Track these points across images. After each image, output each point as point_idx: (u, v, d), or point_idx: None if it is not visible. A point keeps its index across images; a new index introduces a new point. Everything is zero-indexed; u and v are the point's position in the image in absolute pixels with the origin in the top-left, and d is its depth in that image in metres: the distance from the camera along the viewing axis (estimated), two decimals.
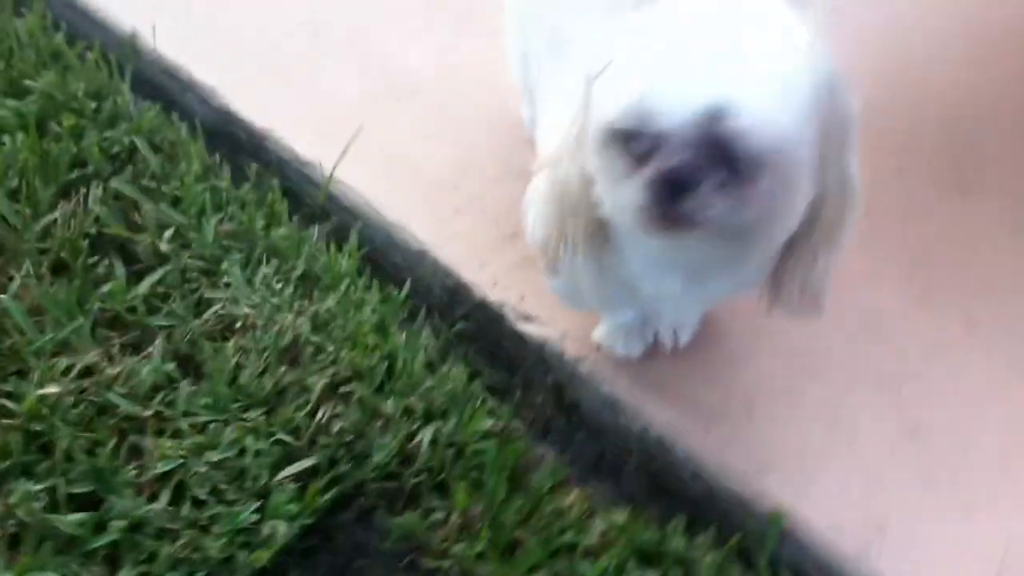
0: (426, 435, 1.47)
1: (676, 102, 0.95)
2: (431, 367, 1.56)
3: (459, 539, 1.39)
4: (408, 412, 1.50)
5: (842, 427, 1.50)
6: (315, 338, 1.55)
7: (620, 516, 1.43)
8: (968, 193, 1.79)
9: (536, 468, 1.49)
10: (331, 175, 1.77)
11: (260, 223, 1.69)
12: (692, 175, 0.97)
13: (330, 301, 1.60)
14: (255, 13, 2.10)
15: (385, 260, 1.76)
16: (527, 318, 1.62)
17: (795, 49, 1.00)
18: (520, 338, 1.61)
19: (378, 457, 1.45)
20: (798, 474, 1.45)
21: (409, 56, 2.03)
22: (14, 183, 1.72)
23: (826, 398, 1.53)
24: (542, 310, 1.62)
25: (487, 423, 1.49)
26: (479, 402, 1.51)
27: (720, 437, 1.49)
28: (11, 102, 1.83)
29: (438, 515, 1.41)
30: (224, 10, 2.10)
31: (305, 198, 1.83)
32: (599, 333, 1.57)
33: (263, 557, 1.36)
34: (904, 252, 1.71)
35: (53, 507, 1.37)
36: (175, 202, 1.72)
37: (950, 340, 1.60)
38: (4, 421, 1.43)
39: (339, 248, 1.70)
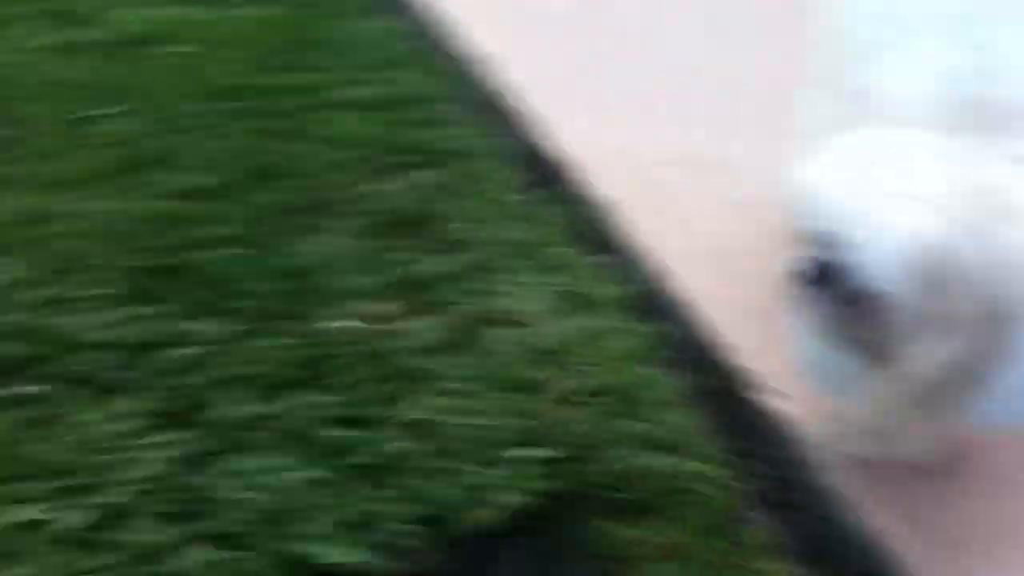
0: (648, 461, 1.60)
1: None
2: (667, 404, 1.69)
3: (657, 560, 1.50)
4: (636, 436, 1.63)
5: None
6: (570, 348, 1.72)
7: None
8: None
9: (746, 526, 1.58)
10: (615, 215, 1.95)
11: (545, 236, 1.90)
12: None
13: (590, 320, 1.77)
14: (595, 71, 2.32)
15: (652, 301, 1.90)
16: (775, 392, 1.71)
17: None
18: (762, 409, 1.71)
19: (603, 466, 1.58)
20: None
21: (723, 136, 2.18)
22: (350, 153, 1.99)
23: None
24: (791, 388, 1.71)
25: (707, 468, 1.59)
26: (702, 447, 1.62)
27: (939, 559, 1.51)
28: (365, 89, 2.14)
29: (647, 532, 1.53)
30: (569, 63, 2.33)
31: (593, 228, 2.00)
32: (839, 424, 1.65)
33: (489, 516, 1.51)
34: None
35: (327, 419, 1.58)
36: (477, 201, 1.95)
37: None
38: (302, 339, 1.66)
39: (611, 278, 1.87)
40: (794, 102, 1.98)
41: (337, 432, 1.56)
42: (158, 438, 1.51)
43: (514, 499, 1.55)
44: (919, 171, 1.18)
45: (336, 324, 1.69)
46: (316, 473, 1.51)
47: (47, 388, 1.56)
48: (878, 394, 1.32)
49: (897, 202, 1.14)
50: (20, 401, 1.54)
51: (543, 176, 2.11)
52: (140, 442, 1.49)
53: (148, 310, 1.68)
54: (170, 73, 2.08)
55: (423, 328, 1.72)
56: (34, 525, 1.38)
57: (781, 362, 1.72)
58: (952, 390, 1.23)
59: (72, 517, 1.39)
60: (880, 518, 1.57)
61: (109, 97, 2.03)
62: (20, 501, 1.41)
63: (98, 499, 1.42)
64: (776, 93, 2.28)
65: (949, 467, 1.63)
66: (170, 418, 1.56)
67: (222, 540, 1.44)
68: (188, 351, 1.63)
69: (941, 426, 1.54)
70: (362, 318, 1.72)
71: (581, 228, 2.00)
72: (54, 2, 2.22)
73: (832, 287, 1.22)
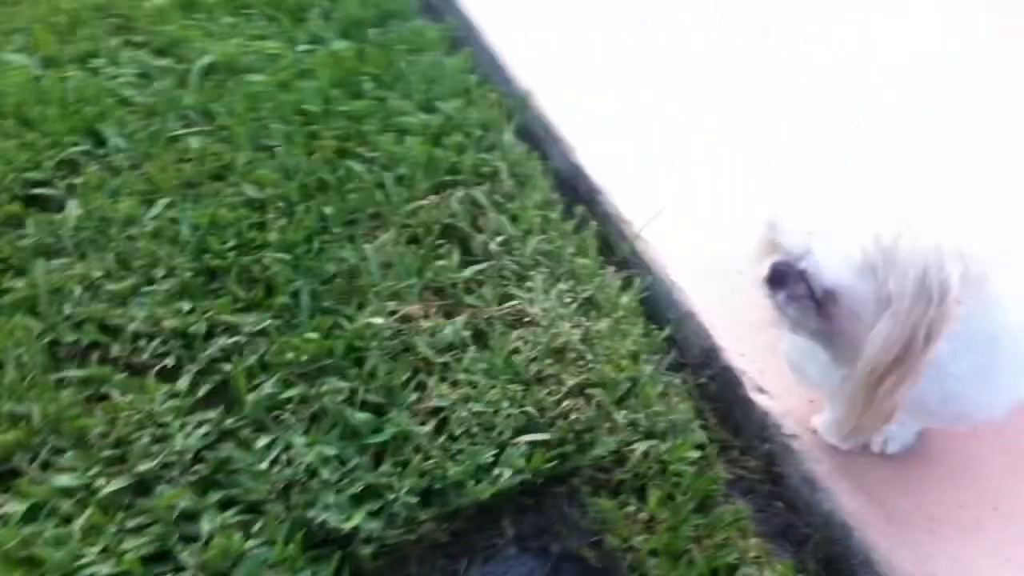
0: (641, 447, 1.74)
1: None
2: (664, 397, 1.83)
3: (641, 533, 1.64)
4: (633, 425, 1.77)
5: (1015, 565, 1.59)
6: (580, 347, 1.88)
7: (785, 570, 1.62)
8: None
9: (725, 506, 1.71)
10: (639, 234, 2.11)
11: (570, 250, 2.05)
12: (783, 276, 1.38)
13: (602, 324, 1.92)
14: (632, 106, 2.49)
15: (662, 312, 2.06)
16: (761, 390, 1.85)
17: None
18: (749, 404, 1.85)
19: (598, 451, 1.74)
20: None
21: (750, 180, 2.34)
22: (403, 171, 2.20)
23: (1010, 539, 1.63)
24: (776, 387, 1.84)
25: (694, 453, 1.73)
26: (692, 435, 1.76)
27: (898, 538, 1.63)
28: (423, 115, 2.34)
29: (631, 509, 1.67)
30: (608, 95, 2.52)
31: (615, 246, 2.17)
32: (818, 419, 1.77)
33: (485, 491, 1.68)
34: None
35: (349, 404, 1.78)
36: (513, 218, 2.12)
37: None
38: (335, 332, 1.87)
39: (625, 288, 2.02)
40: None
41: (358, 415, 1.75)
42: (197, 417, 1.72)
43: (514, 477, 1.71)
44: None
45: (369, 320, 1.88)
46: (333, 450, 1.70)
47: (106, 370, 1.79)
48: (845, 385, 1.44)
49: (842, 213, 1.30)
50: (83, 381, 1.78)
51: (575, 197, 2.28)
52: (180, 420, 1.71)
53: (203, 304, 1.91)
54: (252, 99, 2.33)
55: (447, 327, 1.90)
56: (78, 489, 1.61)
57: (771, 363, 1.86)
58: (903, 373, 1.34)
59: (112, 484, 1.61)
60: (849, 502, 1.67)
61: (197, 119, 2.28)
62: (69, 469, 1.64)
63: (138, 468, 1.63)
64: (774, 106, 2.43)
65: (915, 454, 1.73)
66: (208, 399, 1.77)
67: (244, 506, 1.64)
68: (231, 340, 1.85)
69: (907, 416, 1.66)
70: (394, 316, 1.91)
71: (604, 244, 2.16)
72: (141, 34, 2.49)
73: (791, 287, 1.38)
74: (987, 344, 1.37)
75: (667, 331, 1.98)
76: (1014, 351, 1.40)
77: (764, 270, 1.43)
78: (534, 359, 1.87)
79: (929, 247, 1.26)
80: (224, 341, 1.86)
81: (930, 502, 1.68)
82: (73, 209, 2.10)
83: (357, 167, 2.20)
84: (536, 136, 2.45)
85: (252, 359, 1.83)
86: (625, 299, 1.99)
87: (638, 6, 2.76)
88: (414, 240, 2.09)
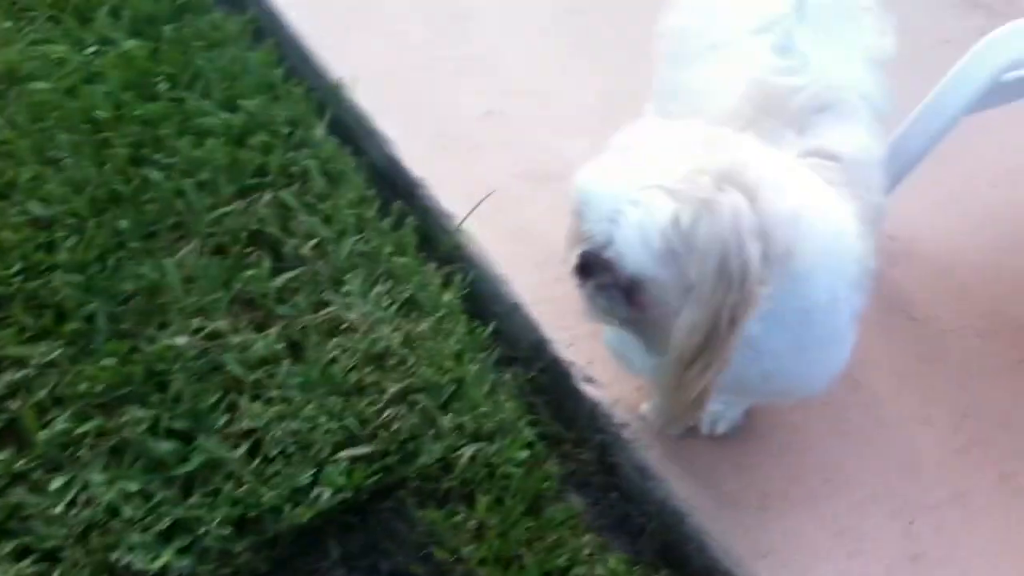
0: (468, 451, 1.67)
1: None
2: (491, 397, 1.76)
3: (471, 542, 1.57)
4: (460, 428, 1.70)
5: (846, 538, 1.59)
6: (402, 351, 1.79)
7: (617, 564, 1.57)
8: None
9: (558, 504, 1.65)
10: (459, 226, 2.03)
11: (388, 250, 1.95)
12: (590, 266, 1.31)
13: (424, 325, 1.84)
14: (448, 92, 2.40)
15: (487, 307, 1.99)
16: (589, 380, 1.80)
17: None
18: (579, 396, 1.79)
19: (423, 459, 1.66)
20: (792, 567, 1.55)
21: (564, 149, 2.27)
22: (205, 176, 2.06)
23: (839, 511, 1.63)
24: (605, 376, 1.80)
25: (523, 453, 1.67)
26: (520, 434, 1.70)
27: (730, 519, 1.61)
28: (224, 114, 2.20)
29: (459, 518, 1.60)
30: (423, 83, 2.42)
31: (437, 242, 2.09)
32: (646, 406, 1.74)
33: (305, 515, 1.58)
34: (959, 404, 1.79)
35: (152, 433, 1.65)
36: (326, 219, 2.01)
37: (977, 489, 1.66)
38: (134, 356, 1.73)
39: (447, 285, 1.94)
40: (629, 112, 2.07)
41: (162, 445, 1.63)
42: None
43: (334, 497, 1.61)
44: (663, 159, 1.26)
45: (171, 341, 1.75)
46: (135, 485, 1.57)
47: None
48: (657, 372, 1.40)
49: (640, 192, 1.23)
50: None
51: (394, 192, 2.18)
52: None
53: None
54: (37, 109, 2.15)
55: (259, 340, 1.79)
56: None
57: (599, 352, 1.81)
58: (709, 359, 1.29)
59: None
60: (682, 487, 1.64)
61: None
62: None
63: None
64: (612, 103, 2.38)
65: (744, 432, 1.71)
66: None
67: (39, 555, 1.50)
68: (18, 374, 1.69)
69: (730, 395, 1.63)
70: (200, 334, 1.79)
71: (426, 240, 2.07)
72: None
73: (598, 276, 1.31)
74: (799, 320, 1.34)
75: (492, 327, 1.90)
76: (827, 324, 1.38)
77: (573, 259, 1.36)
78: (353, 368, 1.77)
79: (728, 228, 1.21)
80: (11, 376, 1.70)
81: (761, 479, 1.67)
82: None
83: (154, 175, 2.04)
84: (350, 130, 2.34)
85: (42, 393, 1.67)
86: (447, 296, 1.90)
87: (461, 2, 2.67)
88: (220, 250, 1.96)
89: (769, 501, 1.63)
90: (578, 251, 1.34)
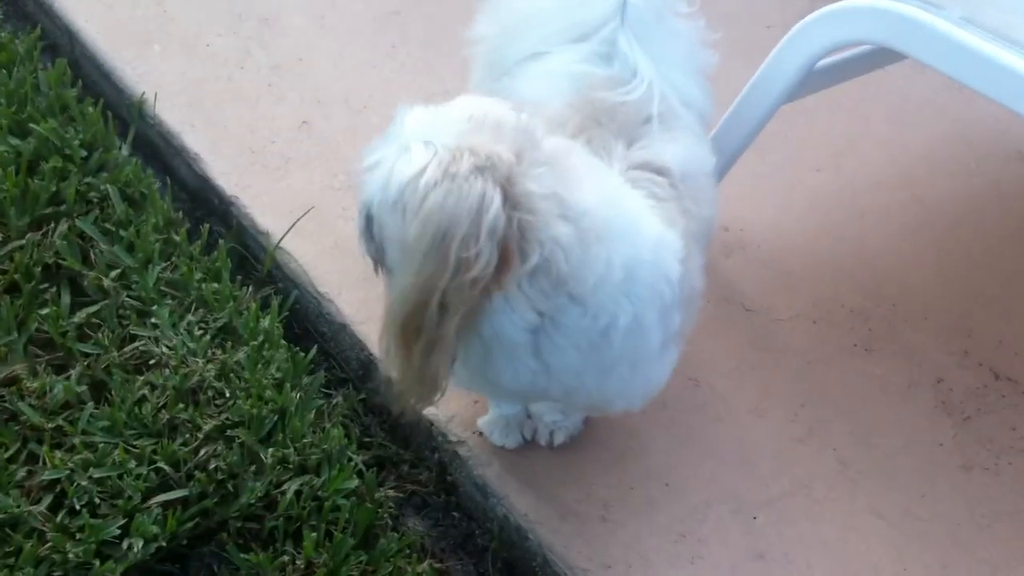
0: (293, 486, 1.56)
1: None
2: (317, 424, 1.66)
3: None
4: (283, 462, 1.59)
5: (689, 541, 1.55)
6: (217, 384, 1.67)
7: None
8: (872, 351, 1.86)
9: (394, 532, 1.56)
10: (277, 244, 1.92)
11: (198, 276, 1.83)
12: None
13: (241, 354, 1.72)
14: (258, 104, 2.28)
15: (312, 327, 1.89)
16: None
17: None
18: (409, 417, 1.70)
19: (244, 499, 1.54)
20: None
21: None
22: None
23: (681, 514, 1.59)
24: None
25: (352, 483, 1.57)
26: (348, 463, 1.60)
27: (572, 533, 1.55)
28: (13, 140, 2.02)
29: (285, 559, 1.49)
30: (230, 94, 2.29)
31: (255, 263, 1.97)
32: (482, 420, 1.66)
33: (116, 569, 1.45)
34: (796, 393, 1.78)
35: None
36: (129, 247, 1.87)
37: (817, 479, 1.65)
38: None
39: (266, 308, 1.83)
40: None
41: None
42: None
43: (148, 547, 1.48)
44: (459, 128, 1.19)
45: None
46: None
47: None
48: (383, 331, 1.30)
49: (413, 143, 1.17)
50: None
51: (207, 212, 2.05)
52: None
53: None
54: None
55: (58, 384, 1.64)
56: None
57: None
58: (430, 341, 1.21)
59: None
60: (521, 503, 1.58)
61: None
62: None
63: None
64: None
65: (582, 441, 1.66)
66: None
67: None
68: None
69: (543, 406, 1.59)
70: None
71: (243, 261, 1.96)
72: None
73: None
74: (594, 342, 1.28)
75: (315, 349, 1.80)
76: (632, 347, 1.31)
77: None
78: (163, 406, 1.64)
79: (463, 211, 1.13)
80: None
81: (601, 487, 1.61)
82: None
83: None
84: (157, 149, 2.20)
85: None
86: (266, 322, 1.79)
87: (260, 5, 2.54)
88: (13, 288, 1.80)
89: (610, 511, 1.58)
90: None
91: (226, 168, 2.09)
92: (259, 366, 1.71)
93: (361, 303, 1.85)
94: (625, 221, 1.29)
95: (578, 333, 1.27)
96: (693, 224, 1.41)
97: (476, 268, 1.12)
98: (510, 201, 1.14)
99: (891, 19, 1.57)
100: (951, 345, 1.88)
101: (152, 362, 1.71)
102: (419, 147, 1.15)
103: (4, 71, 2.17)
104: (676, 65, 1.57)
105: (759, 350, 1.86)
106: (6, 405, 1.63)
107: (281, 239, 1.93)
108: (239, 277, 1.91)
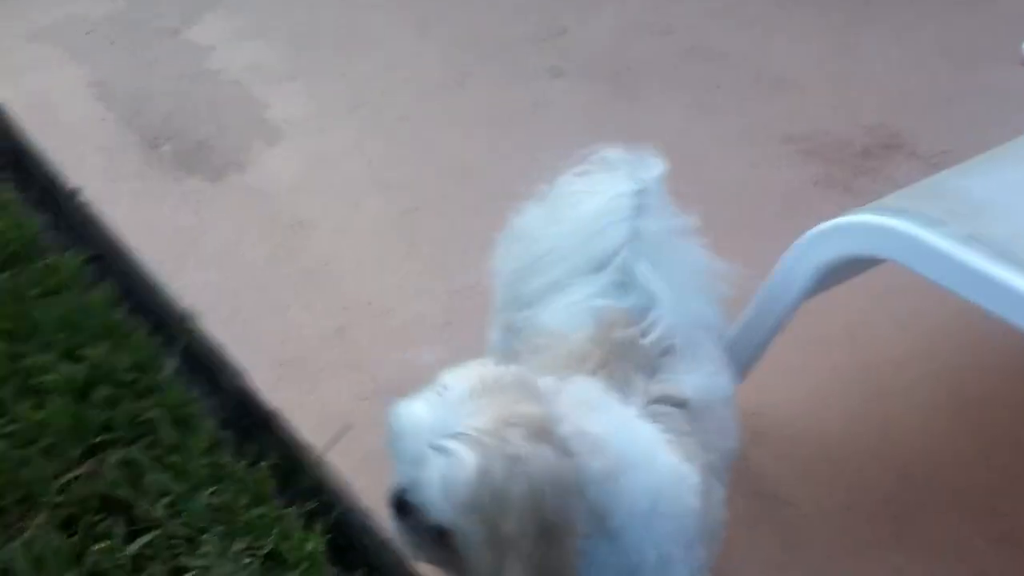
0: None
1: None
2: None
3: None
4: None
5: None
6: None
7: None
8: (903, 539, 1.88)
9: None
10: (318, 461, 2.00)
11: (244, 500, 1.90)
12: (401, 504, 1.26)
13: None
14: (292, 312, 2.39)
15: (358, 541, 1.94)
16: None
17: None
18: None
19: None
20: None
21: (412, 362, 2.25)
22: (49, 440, 1.98)
23: None
24: None
25: None
26: None
27: None
28: (65, 366, 2.13)
29: None
30: (266, 304, 2.40)
31: (298, 478, 2.04)
32: None
33: None
34: None
35: None
36: (178, 473, 1.95)
37: None
38: None
39: (309, 527, 1.89)
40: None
41: None
42: None
43: None
44: (476, 403, 1.25)
45: None
46: None
47: None
48: None
49: (446, 439, 1.21)
50: None
51: (242, 432, 2.14)
52: None
53: None
54: None
55: None
56: None
57: None
58: None
59: None
60: None
61: None
62: None
63: None
64: (453, 306, 2.40)
65: None
66: None
67: None
68: None
69: None
70: None
71: (286, 475, 2.03)
72: None
73: (410, 518, 1.28)
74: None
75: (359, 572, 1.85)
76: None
77: (387, 493, 1.32)
78: None
79: (541, 486, 1.19)
80: None
81: None
82: None
83: (2, 443, 1.96)
84: (203, 364, 2.30)
85: None
86: (310, 545, 1.85)
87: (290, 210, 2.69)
88: (70, 521, 1.88)
89: None
90: (391, 489, 1.30)
91: (265, 381, 2.18)
92: None
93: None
94: (642, 454, 1.34)
95: (606, 570, 1.31)
96: (713, 456, 1.45)
97: (572, 528, 1.18)
98: (558, 451, 1.20)
99: (894, 236, 1.63)
100: (989, 530, 1.90)
101: None
102: (455, 444, 1.19)
103: (55, 297, 2.30)
104: (691, 288, 1.63)
105: (791, 548, 1.88)
106: None
107: (321, 455, 2.00)
108: (283, 495, 1.98)
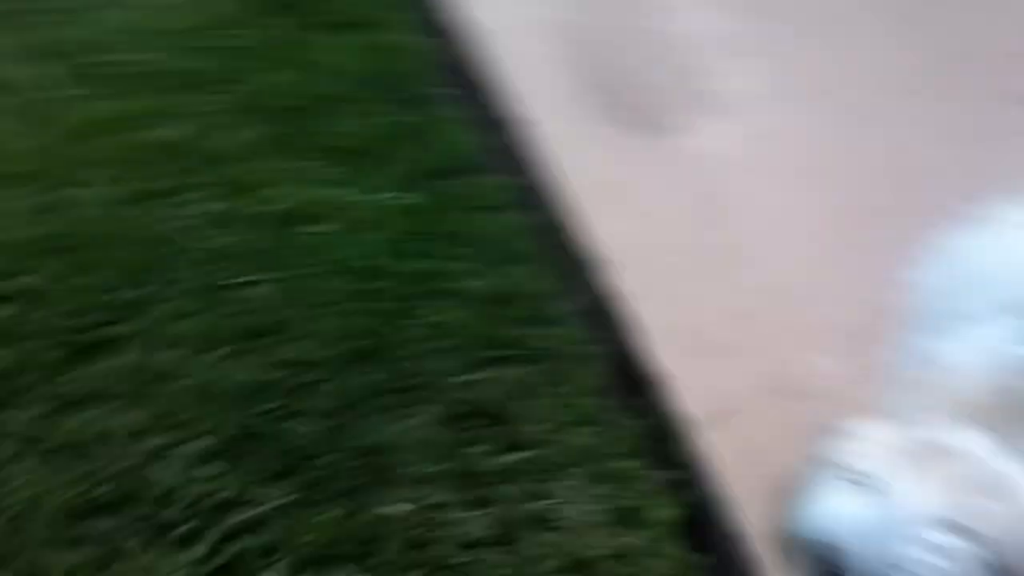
0: None
1: None
2: None
3: None
4: None
5: None
6: (610, 563, 1.75)
7: None
8: None
9: None
10: (696, 437, 1.98)
11: (617, 448, 1.95)
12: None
13: (639, 540, 1.79)
14: (701, 284, 2.38)
15: (714, 527, 1.91)
16: None
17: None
18: None
19: None
20: None
21: (814, 365, 2.16)
22: (458, 341, 2.14)
23: None
24: None
25: None
26: None
27: None
28: (488, 279, 2.29)
29: None
30: (675, 270, 2.41)
31: (670, 446, 2.03)
32: None
33: None
34: None
35: None
36: (566, 404, 2.03)
37: None
38: (355, 516, 1.79)
39: (669, 497, 1.89)
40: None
41: None
42: None
43: None
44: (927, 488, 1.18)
45: (390, 508, 1.81)
46: None
47: (120, 531, 1.76)
48: None
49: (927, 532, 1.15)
50: (95, 540, 1.75)
51: (629, 385, 2.17)
52: None
53: (234, 469, 1.87)
54: (308, 251, 2.32)
55: (469, 521, 1.81)
56: None
57: None
58: None
59: None
60: None
61: (250, 268, 2.27)
62: None
63: None
64: (865, 322, 2.26)
65: None
66: (221, 570, 1.72)
67: None
68: (254, 512, 1.79)
69: None
70: (416, 504, 1.83)
71: (650, 442, 2.04)
72: (219, 176, 2.52)
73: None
74: None
75: (707, 557, 1.82)
76: None
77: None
78: (556, 570, 1.75)
79: None
80: (247, 513, 1.81)
81: None
82: (132, 354, 2.11)
83: (415, 332, 2.15)
84: (598, 312, 2.36)
85: (267, 536, 1.77)
86: (665, 512, 1.85)
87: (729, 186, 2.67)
88: (447, 420, 2.01)
89: None
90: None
91: (658, 345, 2.20)
92: (650, 560, 1.77)
93: (764, 517, 1.85)
94: None
95: None
96: None
97: None
98: None
99: None
100: None
101: (557, 523, 1.83)
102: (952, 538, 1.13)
103: (491, 214, 2.46)
104: None
105: None
106: (425, 532, 1.81)
107: (702, 433, 1.99)
108: (650, 458, 1.99)
